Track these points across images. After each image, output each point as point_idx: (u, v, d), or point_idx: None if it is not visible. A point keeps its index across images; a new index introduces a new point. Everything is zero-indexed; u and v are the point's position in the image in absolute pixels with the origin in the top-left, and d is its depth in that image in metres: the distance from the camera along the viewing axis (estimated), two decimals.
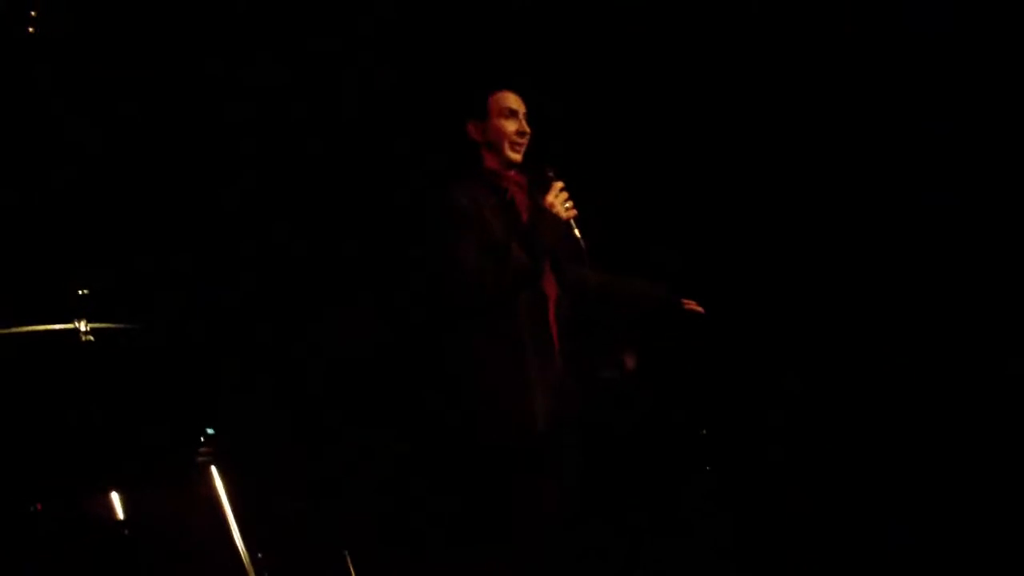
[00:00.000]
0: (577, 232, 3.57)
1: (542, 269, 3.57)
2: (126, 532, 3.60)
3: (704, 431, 4.56)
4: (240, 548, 3.73)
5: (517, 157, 3.72)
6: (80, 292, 3.60)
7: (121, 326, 3.66)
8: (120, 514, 3.64)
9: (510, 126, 3.71)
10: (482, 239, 3.53)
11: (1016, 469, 4.48)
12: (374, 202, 4.75)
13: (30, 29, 4.11)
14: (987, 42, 4.60)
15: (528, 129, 3.73)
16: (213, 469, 3.75)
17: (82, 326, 3.57)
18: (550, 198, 3.53)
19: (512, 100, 3.75)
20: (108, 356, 3.70)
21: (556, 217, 3.51)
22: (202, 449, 3.75)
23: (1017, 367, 4.54)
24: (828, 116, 4.80)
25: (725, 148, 4.87)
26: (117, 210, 4.50)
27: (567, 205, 3.53)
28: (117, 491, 3.65)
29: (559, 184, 3.56)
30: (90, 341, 3.58)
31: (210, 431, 3.78)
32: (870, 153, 4.78)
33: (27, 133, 4.44)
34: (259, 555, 3.79)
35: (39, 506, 3.58)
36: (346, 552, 4.05)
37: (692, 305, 3.87)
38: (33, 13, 4.09)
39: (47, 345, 3.61)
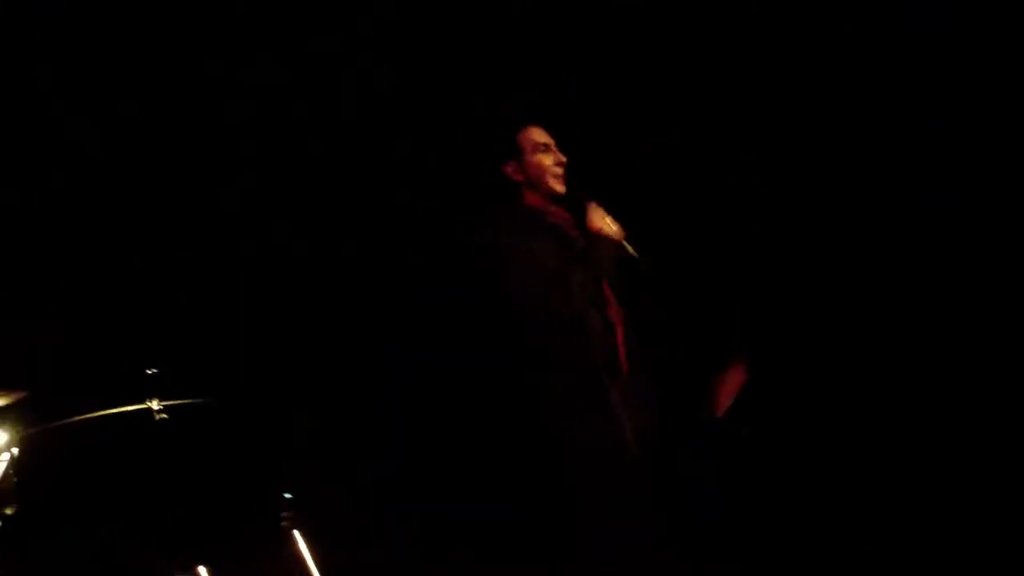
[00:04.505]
0: (630, 248, 3.61)
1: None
2: None
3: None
4: None
5: (561, 188, 3.73)
6: (149, 372, 3.61)
7: (193, 401, 3.68)
8: None
9: (547, 159, 3.71)
10: (531, 271, 3.53)
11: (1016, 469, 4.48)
12: (374, 202, 4.74)
13: None
14: (987, 42, 4.58)
15: (564, 158, 3.73)
16: (296, 533, 3.76)
17: (155, 405, 3.60)
18: (596, 223, 3.56)
19: (541, 134, 3.76)
20: (183, 432, 3.74)
21: (609, 239, 3.54)
22: (283, 514, 3.76)
23: (1017, 367, 4.52)
24: (827, 116, 4.75)
25: (722, 148, 4.82)
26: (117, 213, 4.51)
27: (614, 226, 3.56)
28: (204, 566, 3.69)
29: (596, 205, 3.58)
30: (164, 419, 3.61)
31: (288, 495, 3.79)
32: (870, 153, 4.74)
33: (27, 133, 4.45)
34: None
35: None
36: None
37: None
38: None
39: (123, 427, 3.64)
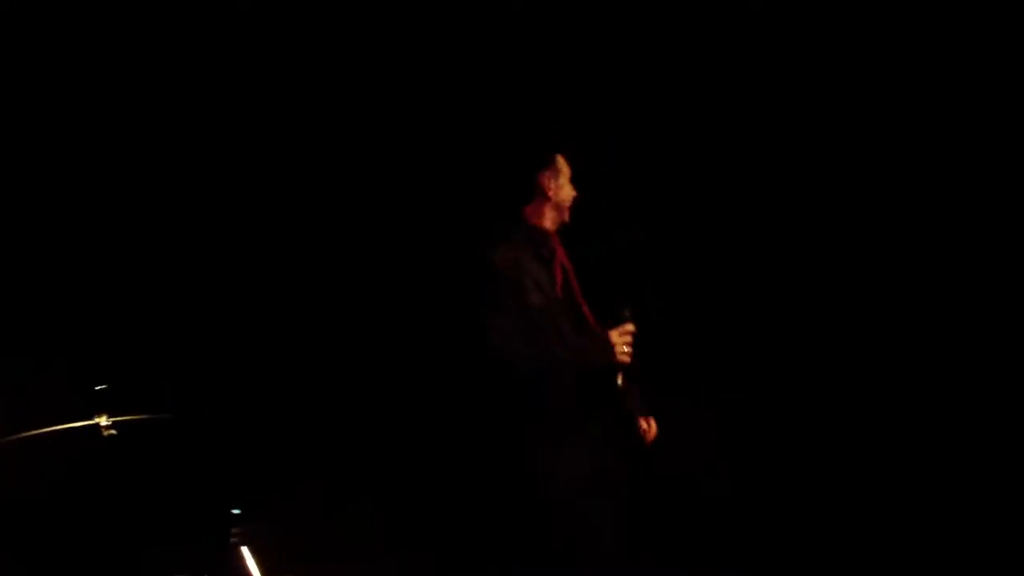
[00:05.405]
0: (620, 379, 3.64)
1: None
2: None
3: None
4: None
5: (568, 222, 3.80)
6: (98, 388, 3.66)
7: (141, 417, 3.71)
8: None
9: (572, 191, 3.79)
10: (521, 304, 3.57)
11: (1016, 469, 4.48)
12: (376, 203, 4.72)
13: None
14: (987, 42, 4.53)
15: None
16: (244, 549, 3.79)
17: (103, 421, 3.63)
18: (616, 336, 3.58)
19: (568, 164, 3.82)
20: (131, 448, 3.77)
21: (611, 351, 3.57)
22: (232, 530, 3.80)
23: (1017, 367, 4.52)
24: (827, 116, 4.72)
25: (722, 149, 4.80)
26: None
27: (626, 350, 3.59)
28: None
29: (630, 327, 3.60)
30: (112, 435, 3.64)
31: (237, 511, 3.83)
32: (870, 153, 4.71)
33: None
34: None
35: None
36: None
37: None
38: None
39: (71, 443, 3.68)
